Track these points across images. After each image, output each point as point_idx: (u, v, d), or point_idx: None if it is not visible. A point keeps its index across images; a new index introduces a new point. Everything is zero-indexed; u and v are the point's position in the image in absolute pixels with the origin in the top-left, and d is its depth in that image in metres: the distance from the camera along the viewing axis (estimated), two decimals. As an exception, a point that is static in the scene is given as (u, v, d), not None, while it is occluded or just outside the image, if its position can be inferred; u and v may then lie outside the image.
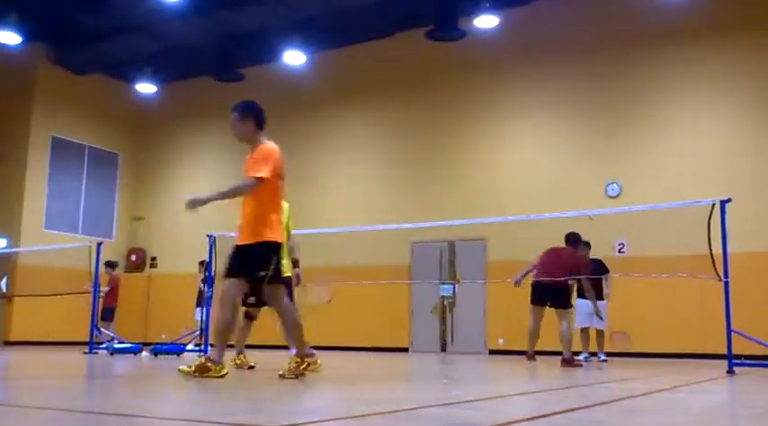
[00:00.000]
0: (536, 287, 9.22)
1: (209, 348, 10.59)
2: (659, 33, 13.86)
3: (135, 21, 15.41)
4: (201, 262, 12.85)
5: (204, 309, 10.73)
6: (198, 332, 11.08)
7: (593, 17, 14.42)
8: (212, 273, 10.65)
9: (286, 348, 6.06)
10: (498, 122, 15.37)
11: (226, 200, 5.45)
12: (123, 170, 19.43)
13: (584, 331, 10.64)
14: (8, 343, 15.97)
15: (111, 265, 14.26)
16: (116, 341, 12.06)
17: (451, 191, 15.07)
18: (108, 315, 13.87)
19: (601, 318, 10.41)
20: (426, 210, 14.50)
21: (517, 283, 9.61)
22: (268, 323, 15.60)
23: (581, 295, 10.38)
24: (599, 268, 10.37)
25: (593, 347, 10.72)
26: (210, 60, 17.02)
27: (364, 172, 16.42)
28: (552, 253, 9.32)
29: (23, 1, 14.79)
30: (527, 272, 9.54)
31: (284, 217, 6.03)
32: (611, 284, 10.94)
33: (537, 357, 9.50)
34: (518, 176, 14.70)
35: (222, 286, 5.36)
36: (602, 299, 10.50)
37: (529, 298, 9.31)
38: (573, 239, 9.42)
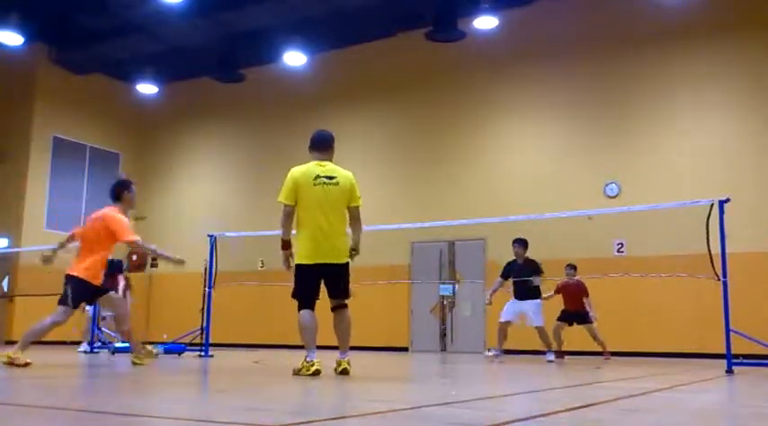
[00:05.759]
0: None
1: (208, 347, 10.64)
2: (659, 33, 13.88)
3: (136, 21, 15.43)
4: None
5: (207, 309, 10.73)
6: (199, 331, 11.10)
7: (592, 18, 14.44)
8: (213, 273, 10.66)
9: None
10: (497, 122, 15.39)
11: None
12: (124, 170, 19.43)
13: (503, 326, 10.36)
14: (10, 343, 15.97)
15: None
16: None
17: (451, 191, 15.09)
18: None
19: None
20: (426, 210, 14.51)
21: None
22: (270, 324, 15.44)
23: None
24: (533, 268, 10.22)
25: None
26: (211, 61, 17.04)
27: (364, 172, 16.29)
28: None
29: (25, 1, 14.81)
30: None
31: None
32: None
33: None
34: (518, 176, 14.72)
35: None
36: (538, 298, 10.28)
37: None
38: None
